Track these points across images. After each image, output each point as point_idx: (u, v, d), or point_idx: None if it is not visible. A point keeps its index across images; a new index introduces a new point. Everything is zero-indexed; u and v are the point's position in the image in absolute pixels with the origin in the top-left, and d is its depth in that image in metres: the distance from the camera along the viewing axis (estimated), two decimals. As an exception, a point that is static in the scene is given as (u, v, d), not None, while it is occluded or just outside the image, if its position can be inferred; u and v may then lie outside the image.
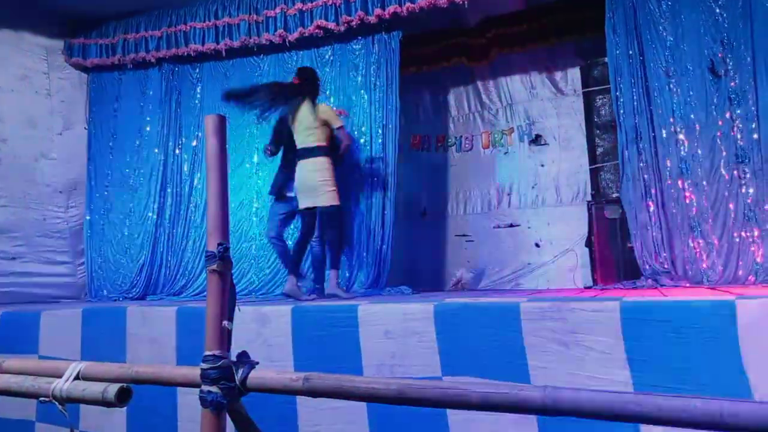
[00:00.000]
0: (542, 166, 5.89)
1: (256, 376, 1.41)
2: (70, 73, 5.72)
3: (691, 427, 1.02)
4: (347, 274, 4.71)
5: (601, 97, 4.72)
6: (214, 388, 1.39)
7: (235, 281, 1.55)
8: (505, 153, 6.08)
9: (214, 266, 1.43)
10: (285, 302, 3.60)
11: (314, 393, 1.36)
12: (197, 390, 1.42)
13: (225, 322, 1.44)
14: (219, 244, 1.43)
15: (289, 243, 4.59)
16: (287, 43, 5.01)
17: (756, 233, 3.53)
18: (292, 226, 4.71)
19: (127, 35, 5.50)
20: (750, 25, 3.66)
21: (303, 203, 4.07)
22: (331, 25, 4.78)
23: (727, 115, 3.68)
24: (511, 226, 5.93)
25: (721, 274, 3.56)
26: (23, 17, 5.37)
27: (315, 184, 3.98)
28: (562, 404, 1.13)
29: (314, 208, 4.05)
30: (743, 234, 3.56)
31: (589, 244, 4.78)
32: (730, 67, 3.71)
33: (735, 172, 3.63)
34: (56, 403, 1.53)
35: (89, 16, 5.58)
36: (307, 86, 4.13)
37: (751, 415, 0.97)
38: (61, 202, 5.56)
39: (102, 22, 5.61)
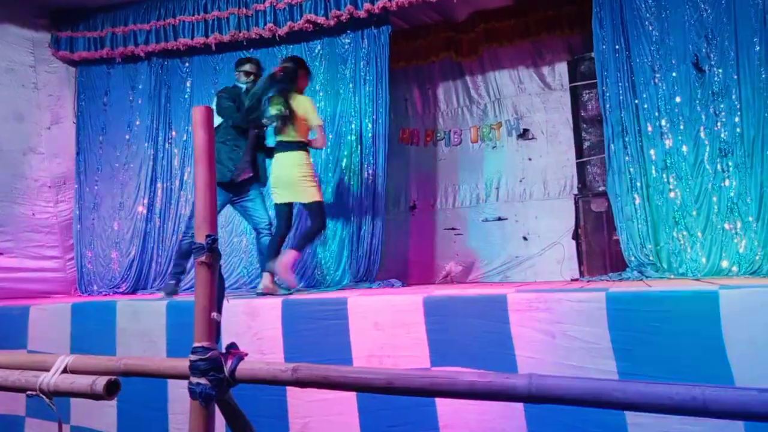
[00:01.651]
0: (530, 160, 5.93)
1: (245, 367, 1.41)
2: (58, 67, 5.65)
3: (674, 413, 1.04)
4: (337, 267, 4.72)
5: (587, 91, 4.75)
6: (203, 380, 1.39)
7: (225, 275, 1.56)
8: (493, 147, 6.11)
9: (203, 258, 1.44)
10: (275, 295, 3.60)
11: (303, 383, 1.37)
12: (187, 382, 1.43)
13: (214, 314, 1.45)
14: (207, 236, 1.44)
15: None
16: (277, 37, 5.00)
17: (739, 225, 3.58)
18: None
19: (116, 28, 5.45)
20: (734, 21, 3.70)
21: (282, 197, 3.88)
22: (321, 20, 4.77)
23: (711, 110, 3.73)
24: (499, 219, 5.96)
25: (705, 265, 3.62)
26: (7, 9, 5.30)
27: (294, 180, 3.82)
28: (547, 392, 1.14)
29: (291, 203, 3.94)
30: (726, 226, 3.62)
31: (576, 236, 4.82)
32: (713, 63, 3.75)
33: (718, 166, 3.68)
34: (43, 396, 1.52)
35: (76, 8, 5.52)
36: (288, 78, 3.92)
37: (732, 400, 0.99)
38: (50, 196, 5.51)
39: (89, 14, 5.55)
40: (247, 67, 4.22)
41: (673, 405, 1.04)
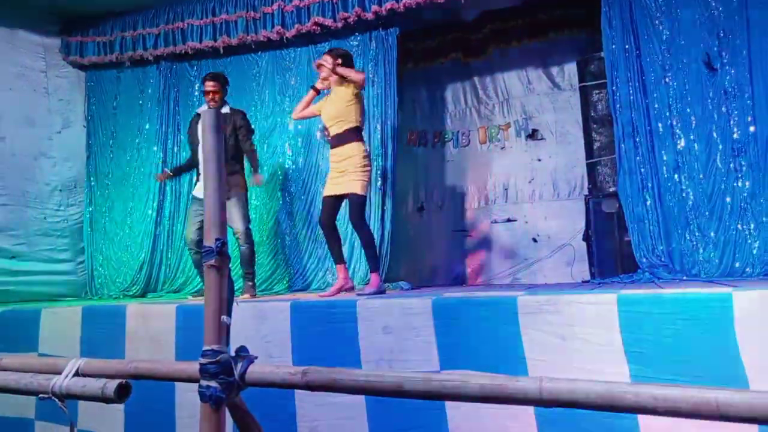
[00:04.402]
0: (539, 160, 5.90)
1: (254, 370, 1.41)
2: (68, 72, 5.72)
3: (687, 417, 1.02)
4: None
5: (597, 91, 4.71)
6: (213, 383, 1.39)
7: (233, 278, 1.56)
8: (502, 148, 6.08)
9: (212, 261, 1.43)
10: (283, 298, 3.60)
11: (312, 387, 1.36)
12: (196, 386, 1.42)
13: (223, 317, 1.44)
14: (217, 240, 1.44)
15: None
16: (285, 40, 5.02)
17: (752, 226, 3.54)
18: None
19: (125, 33, 5.50)
20: (746, 19, 3.66)
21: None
22: (328, 22, 4.78)
23: (723, 109, 3.69)
24: (509, 221, 5.94)
25: (718, 267, 3.58)
26: (19, 15, 5.36)
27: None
28: (558, 395, 1.12)
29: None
30: (739, 226, 3.57)
31: (586, 238, 4.78)
32: (725, 61, 3.71)
33: (731, 165, 3.64)
34: (56, 399, 1.53)
35: (86, 13, 5.57)
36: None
37: (746, 403, 0.97)
38: (61, 200, 5.56)
39: (99, 20, 5.60)
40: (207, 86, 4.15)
41: (686, 408, 1.02)
